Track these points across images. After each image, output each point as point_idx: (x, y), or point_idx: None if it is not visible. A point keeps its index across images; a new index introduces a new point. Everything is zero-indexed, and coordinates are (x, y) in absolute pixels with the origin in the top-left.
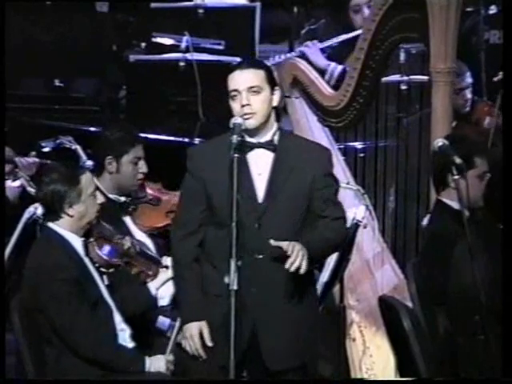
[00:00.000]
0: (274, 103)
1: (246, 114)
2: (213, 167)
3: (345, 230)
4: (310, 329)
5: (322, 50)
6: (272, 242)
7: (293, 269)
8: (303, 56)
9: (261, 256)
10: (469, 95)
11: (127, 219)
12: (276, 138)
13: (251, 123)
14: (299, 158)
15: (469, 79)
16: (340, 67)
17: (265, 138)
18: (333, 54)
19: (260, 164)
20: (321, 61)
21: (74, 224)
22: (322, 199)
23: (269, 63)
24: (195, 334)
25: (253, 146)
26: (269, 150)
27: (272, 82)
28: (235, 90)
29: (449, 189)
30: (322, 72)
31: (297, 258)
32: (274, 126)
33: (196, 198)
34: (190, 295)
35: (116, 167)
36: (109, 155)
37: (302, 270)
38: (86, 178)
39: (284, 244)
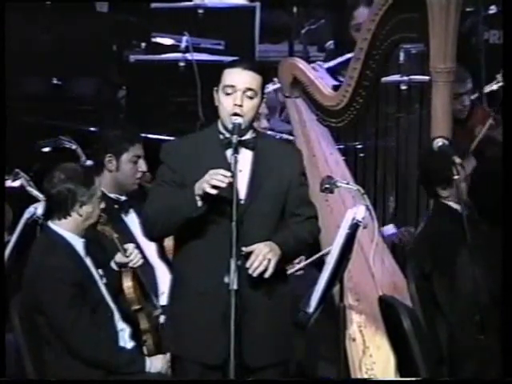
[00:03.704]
0: (259, 110)
1: (235, 114)
2: (191, 163)
3: (317, 230)
4: (288, 325)
5: (329, 69)
6: (244, 248)
7: (255, 274)
8: None
9: (243, 253)
10: (467, 101)
11: (128, 219)
12: (253, 137)
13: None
14: (277, 157)
15: (469, 85)
16: None
17: (244, 137)
18: (339, 71)
19: (240, 161)
20: (331, 82)
21: (79, 224)
22: (298, 198)
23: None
24: (214, 172)
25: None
26: (248, 148)
27: (263, 89)
28: (232, 87)
29: (448, 189)
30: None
31: (260, 264)
32: (251, 127)
33: (171, 188)
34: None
35: (116, 165)
36: (108, 153)
37: (268, 274)
38: (98, 180)
39: (253, 248)
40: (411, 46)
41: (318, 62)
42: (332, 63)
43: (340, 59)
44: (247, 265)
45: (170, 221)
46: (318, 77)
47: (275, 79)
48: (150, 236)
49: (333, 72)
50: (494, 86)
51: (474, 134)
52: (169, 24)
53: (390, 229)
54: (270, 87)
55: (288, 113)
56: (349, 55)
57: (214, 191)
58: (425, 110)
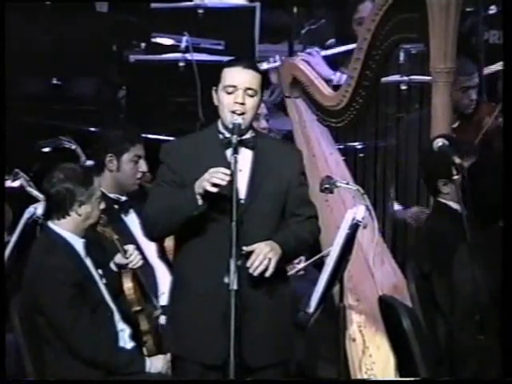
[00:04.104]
0: (258, 110)
1: (237, 112)
2: (190, 163)
3: (317, 230)
4: (288, 325)
5: (325, 58)
6: (244, 248)
7: (256, 273)
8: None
9: (243, 252)
10: (474, 95)
11: (128, 219)
12: (253, 137)
13: (239, 120)
14: (276, 157)
15: (476, 79)
16: (345, 76)
17: (244, 136)
18: (335, 61)
19: (240, 161)
20: (325, 70)
21: (78, 224)
22: (298, 197)
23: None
24: (215, 170)
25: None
26: (248, 147)
27: (263, 89)
28: (233, 86)
29: (449, 185)
30: (326, 81)
31: (261, 263)
32: (251, 126)
33: (171, 188)
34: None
35: (116, 165)
36: (109, 153)
37: (268, 273)
38: (97, 180)
39: (253, 247)
40: (411, 46)
41: (316, 49)
42: (330, 52)
43: (338, 49)
44: (248, 264)
45: (170, 220)
46: (315, 63)
47: (271, 58)
48: (151, 236)
49: (329, 62)
50: (493, 69)
51: (481, 128)
52: (169, 24)
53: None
54: (265, 65)
55: (288, 113)
56: (347, 47)
57: (214, 189)
58: (425, 109)
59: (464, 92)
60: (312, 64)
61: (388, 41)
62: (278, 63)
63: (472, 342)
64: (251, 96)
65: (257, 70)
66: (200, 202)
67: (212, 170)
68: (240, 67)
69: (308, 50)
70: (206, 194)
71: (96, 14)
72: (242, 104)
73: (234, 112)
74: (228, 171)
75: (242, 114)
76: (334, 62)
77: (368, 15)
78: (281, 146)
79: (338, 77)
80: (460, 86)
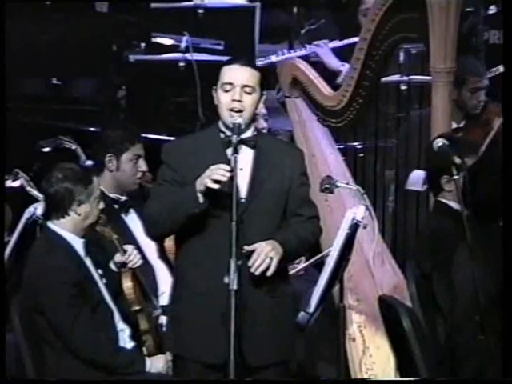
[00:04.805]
0: (258, 106)
1: (234, 110)
2: (191, 162)
3: (318, 230)
4: (289, 325)
5: (332, 50)
6: (246, 247)
7: (257, 273)
8: (315, 55)
9: (243, 251)
10: (483, 97)
11: (128, 219)
12: (254, 135)
13: (238, 120)
14: (278, 156)
15: (486, 81)
16: None
17: (245, 135)
18: (341, 55)
19: (241, 159)
20: (334, 62)
21: (77, 224)
22: (299, 198)
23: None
24: (215, 167)
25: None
26: (249, 146)
27: (262, 86)
28: (230, 84)
29: (450, 186)
30: (334, 73)
31: (262, 262)
32: (252, 125)
33: (172, 187)
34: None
35: (116, 165)
36: (109, 153)
37: (270, 272)
38: (96, 180)
39: (255, 247)
40: (411, 46)
41: (324, 41)
42: (338, 44)
43: (346, 41)
44: (249, 263)
45: (171, 219)
46: (323, 54)
47: (279, 51)
48: (153, 235)
49: (337, 53)
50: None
51: (489, 129)
52: (169, 24)
53: (420, 175)
54: (273, 58)
55: (288, 113)
56: (354, 39)
57: (215, 186)
58: (426, 108)
59: (473, 93)
60: (320, 55)
61: (388, 41)
62: (286, 55)
63: (472, 342)
64: (249, 93)
65: (255, 67)
66: (201, 199)
67: (212, 167)
68: (237, 65)
69: (316, 42)
70: (207, 192)
71: (96, 14)
72: (240, 101)
73: (231, 110)
74: (228, 167)
75: (240, 111)
76: (341, 56)
77: (368, 15)
78: (283, 146)
79: (346, 68)
80: (470, 87)
